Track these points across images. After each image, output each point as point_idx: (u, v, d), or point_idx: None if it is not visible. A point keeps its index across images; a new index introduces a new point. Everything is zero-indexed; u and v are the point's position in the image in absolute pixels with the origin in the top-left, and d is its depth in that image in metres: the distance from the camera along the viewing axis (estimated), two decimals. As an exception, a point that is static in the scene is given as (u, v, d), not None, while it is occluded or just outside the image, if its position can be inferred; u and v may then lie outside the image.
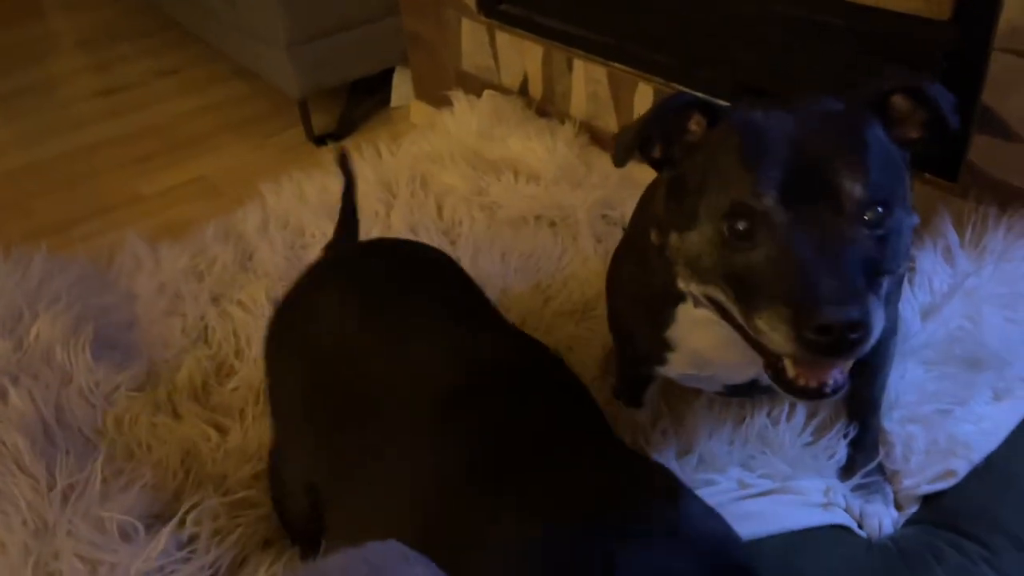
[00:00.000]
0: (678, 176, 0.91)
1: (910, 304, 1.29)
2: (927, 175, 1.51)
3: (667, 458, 1.20)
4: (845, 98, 0.89)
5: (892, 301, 1.08)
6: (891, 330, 1.12)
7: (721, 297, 0.86)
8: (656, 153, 0.92)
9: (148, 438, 1.36)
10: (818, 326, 0.74)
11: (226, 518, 1.18)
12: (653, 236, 0.97)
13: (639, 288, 1.09)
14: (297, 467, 1.07)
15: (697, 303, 0.94)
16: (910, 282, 1.32)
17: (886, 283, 0.84)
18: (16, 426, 1.26)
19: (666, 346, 1.07)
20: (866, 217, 0.81)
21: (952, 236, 1.35)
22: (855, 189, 0.80)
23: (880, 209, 0.81)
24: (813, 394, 0.82)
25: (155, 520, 1.21)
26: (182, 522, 1.18)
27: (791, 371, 0.82)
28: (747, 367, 1.05)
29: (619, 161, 0.92)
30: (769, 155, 0.82)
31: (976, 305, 1.26)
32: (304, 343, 1.07)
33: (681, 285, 0.92)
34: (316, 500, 1.01)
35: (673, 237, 0.90)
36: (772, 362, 0.85)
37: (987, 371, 1.21)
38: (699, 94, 0.92)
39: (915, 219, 0.88)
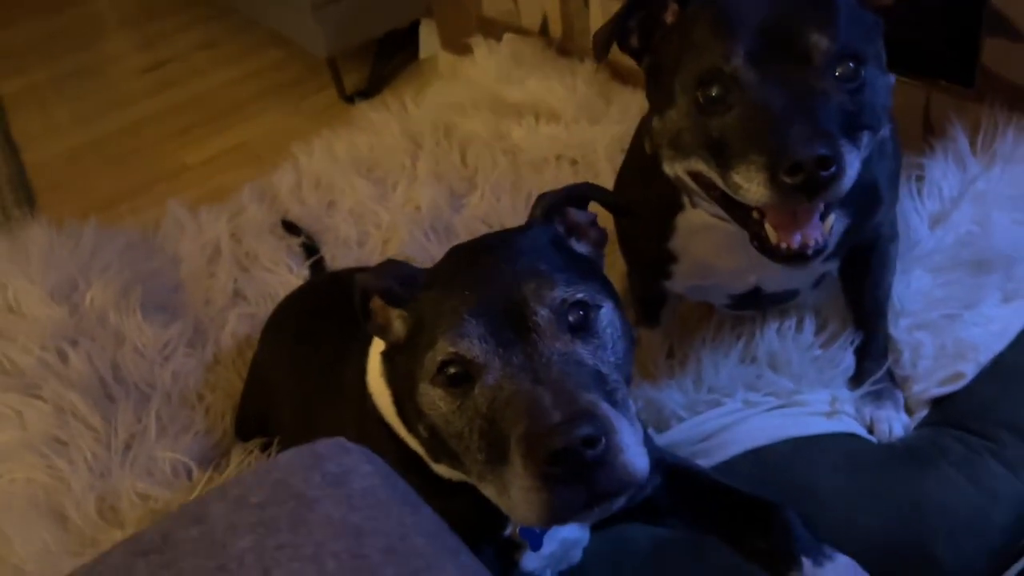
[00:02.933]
0: (656, 62, 0.94)
1: (918, 212, 1.29)
2: (943, 82, 1.48)
3: (676, 382, 1.24)
4: None
5: (890, 204, 1.09)
6: (891, 236, 1.14)
7: (703, 168, 0.89)
8: (634, 42, 0.96)
9: (199, 388, 1.47)
10: (790, 165, 0.77)
11: (264, 457, 1.28)
12: (646, 145, 1.00)
13: (640, 203, 1.13)
14: (253, 399, 1.36)
15: (693, 200, 0.97)
16: (919, 191, 1.32)
17: (867, 138, 0.86)
18: (76, 384, 1.38)
19: (670, 257, 1.11)
20: (837, 72, 0.83)
21: (962, 141, 1.33)
22: (822, 42, 0.83)
23: (851, 64, 0.84)
24: (796, 256, 0.85)
25: (206, 461, 1.32)
26: (228, 462, 1.29)
27: (773, 236, 0.86)
28: (746, 272, 1.09)
29: (598, 55, 0.96)
30: (737, 21, 0.85)
31: (985, 209, 1.26)
32: (295, 334, 1.28)
33: (667, 169, 0.96)
34: (261, 418, 1.32)
35: (655, 121, 0.94)
36: (756, 231, 0.88)
37: (995, 273, 1.21)
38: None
39: (891, 78, 0.90)
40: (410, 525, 0.50)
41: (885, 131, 0.93)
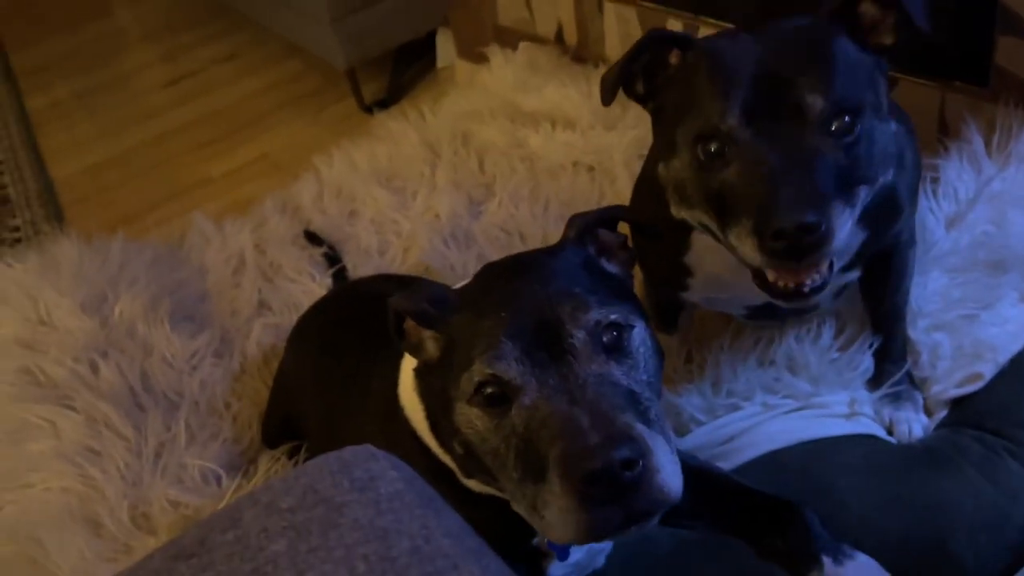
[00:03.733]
0: (660, 107, 0.96)
1: (933, 213, 1.30)
2: (958, 83, 1.49)
3: (694, 387, 1.26)
4: (816, 12, 0.91)
5: (909, 213, 1.10)
6: (909, 241, 1.14)
7: (707, 220, 0.91)
8: (639, 89, 0.97)
9: (226, 396, 1.51)
10: (773, 232, 0.78)
11: (292, 464, 1.31)
12: (660, 169, 1.02)
13: (655, 218, 1.14)
14: (279, 407, 1.39)
15: (696, 230, 0.99)
16: (934, 193, 1.33)
17: (863, 192, 0.87)
18: (107, 395, 1.42)
19: (685, 272, 1.13)
20: (833, 127, 0.84)
21: (977, 142, 1.34)
22: (816, 101, 0.83)
23: (847, 119, 0.84)
24: (794, 295, 0.87)
25: (234, 468, 1.35)
26: (256, 469, 1.32)
27: (771, 276, 0.87)
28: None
29: (605, 100, 0.97)
30: (732, 77, 0.86)
31: (1001, 209, 1.26)
32: (319, 343, 1.30)
33: (674, 212, 0.97)
34: (287, 424, 1.35)
35: (660, 168, 0.96)
36: (756, 271, 0.89)
37: (1012, 273, 1.21)
38: (675, 30, 0.96)
39: (891, 125, 0.91)
40: (434, 527, 0.52)
41: (901, 144, 0.94)
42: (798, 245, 0.79)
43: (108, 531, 1.23)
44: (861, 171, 0.86)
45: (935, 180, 1.33)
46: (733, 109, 0.85)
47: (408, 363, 0.93)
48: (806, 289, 0.86)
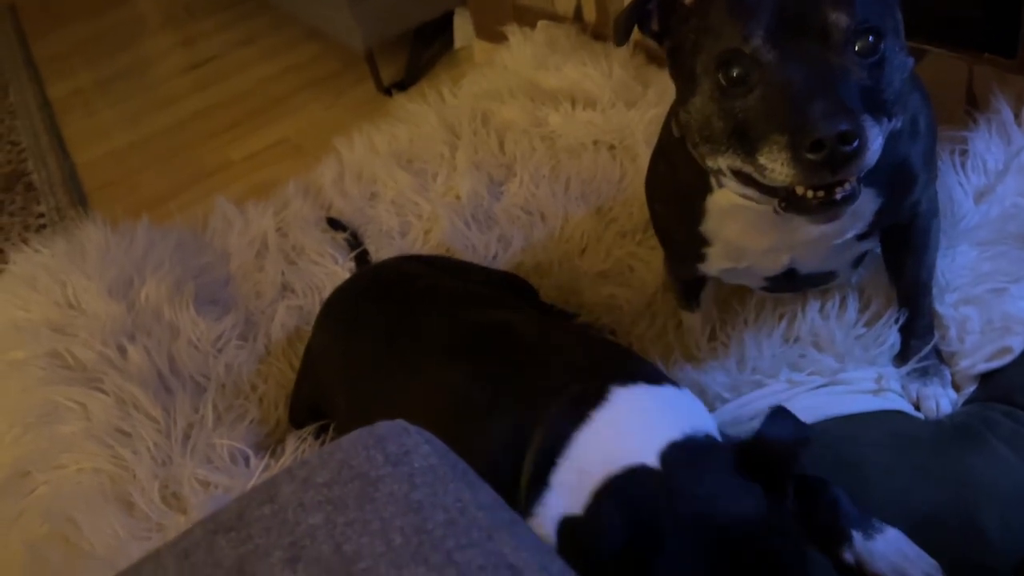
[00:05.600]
0: (677, 44, 0.95)
1: (962, 186, 1.28)
2: (986, 55, 1.47)
3: (719, 364, 1.25)
4: None
5: (926, 182, 1.09)
6: (930, 211, 1.13)
7: (737, 162, 0.90)
8: (655, 26, 0.97)
9: (252, 378, 1.52)
10: (811, 143, 0.78)
11: (318, 444, 1.32)
12: (674, 129, 1.02)
13: (671, 187, 1.15)
14: (307, 388, 1.38)
15: (721, 179, 0.98)
16: (963, 166, 1.31)
17: (888, 112, 0.87)
18: (136, 377, 1.43)
19: (702, 241, 1.12)
20: (856, 47, 0.84)
21: (1007, 113, 1.32)
22: (840, 19, 0.83)
23: (871, 38, 0.84)
24: (826, 205, 0.86)
25: (261, 448, 1.36)
26: (284, 449, 1.33)
27: (800, 191, 0.87)
28: (779, 252, 1.10)
29: (618, 39, 0.97)
30: (754, 1, 0.85)
31: (1031, 181, 1.24)
32: (347, 323, 1.31)
33: (699, 159, 0.97)
34: (314, 405, 1.35)
35: (682, 114, 0.95)
36: (784, 196, 0.89)
37: (1042, 246, 1.20)
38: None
39: (909, 60, 0.90)
40: (468, 499, 0.53)
41: (915, 109, 0.93)
42: (835, 155, 0.79)
43: (140, 510, 1.25)
44: (886, 92, 0.86)
45: (964, 153, 1.32)
46: (756, 30, 0.84)
47: None
48: (838, 197, 0.85)
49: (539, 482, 0.90)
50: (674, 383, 1.01)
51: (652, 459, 0.87)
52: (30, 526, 1.28)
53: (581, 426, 0.91)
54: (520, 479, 0.92)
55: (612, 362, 1.03)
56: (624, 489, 0.85)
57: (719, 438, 0.95)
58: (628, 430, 0.91)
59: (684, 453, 0.88)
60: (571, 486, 0.88)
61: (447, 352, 1.11)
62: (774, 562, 0.81)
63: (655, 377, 0.99)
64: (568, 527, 0.84)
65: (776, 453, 0.88)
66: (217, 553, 0.53)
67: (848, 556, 0.94)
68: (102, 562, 1.19)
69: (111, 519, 1.24)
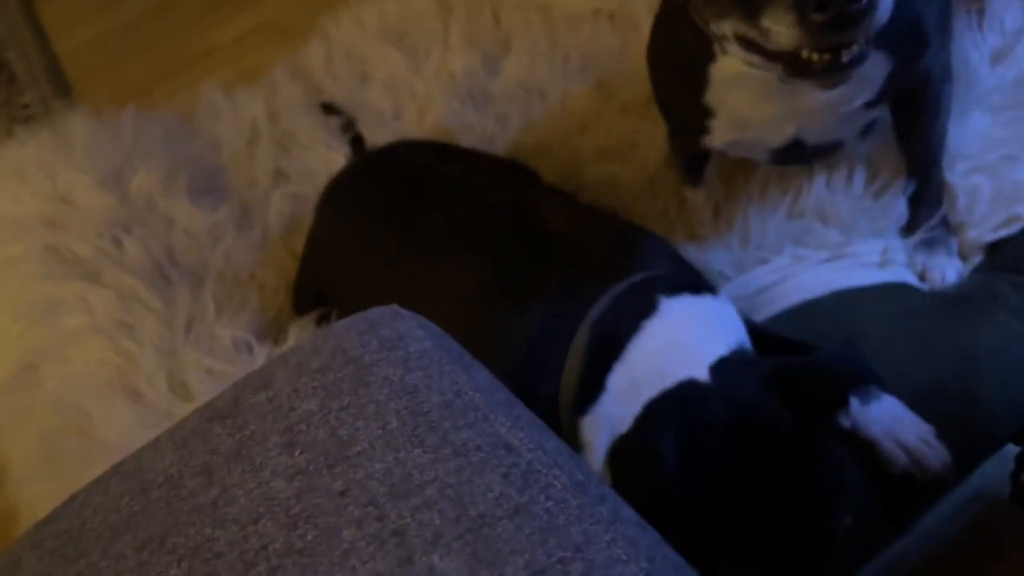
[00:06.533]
0: None
1: (977, 48, 1.23)
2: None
3: (722, 241, 1.24)
4: None
5: (939, 46, 1.04)
6: (942, 77, 1.09)
7: (741, 26, 0.86)
8: None
9: (251, 267, 1.51)
10: (817, 2, 0.75)
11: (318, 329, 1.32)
12: None
13: (673, 56, 1.11)
14: (311, 274, 1.37)
15: (725, 46, 0.94)
16: (978, 26, 1.25)
17: None
18: (134, 270, 1.42)
19: (706, 112, 1.09)
20: None
21: (1028, -33, 1.24)
22: None
23: None
24: (833, 68, 0.83)
25: (264, 336, 1.37)
26: (287, 337, 1.34)
27: (806, 55, 0.83)
28: (784, 122, 1.07)
29: None
30: None
31: (1051, 40, 1.19)
32: (355, 207, 1.29)
33: (703, 25, 0.93)
34: (318, 291, 1.34)
35: None
36: (789, 59, 0.85)
37: (1059, 110, 1.15)
38: None
39: None
40: (464, 382, 0.52)
41: None
42: (842, 14, 0.75)
43: (148, 400, 1.27)
44: None
45: (980, 12, 1.25)
46: None
47: None
48: (845, 60, 0.82)
49: (593, 383, 0.90)
50: (712, 289, 1.00)
51: (702, 374, 0.87)
52: (42, 418, 1.30)
53: (633, 336, 0.90)
54: (561, 373, 0.91)
55: (651, 256, 1.02)
56: (676, 409, 0.85)
57: (751, 347, 0.95)
58: (680, 343, 0.90)
59: (732, 368, 0.88)
60: (623, 393, 0.88)
61: (467, 236, 1.09)
62: (816, 482, 0.82)
63: (695, 285, 0.98)
64: (621, 451, 0.84)
65: (823, 385, 0.87)
66: (214, 440, 0.53)
67: (844, 422, 0.95)
68: (115, 450, 1.22)
69: (121, 409, 1.26)
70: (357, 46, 1.91)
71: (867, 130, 1.18)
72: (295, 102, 1.80)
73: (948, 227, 1.19)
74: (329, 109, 1.78)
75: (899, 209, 1.19)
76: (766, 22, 0.81)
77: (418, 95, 1.76)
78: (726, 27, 0.89)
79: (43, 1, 2.92)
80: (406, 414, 0.49)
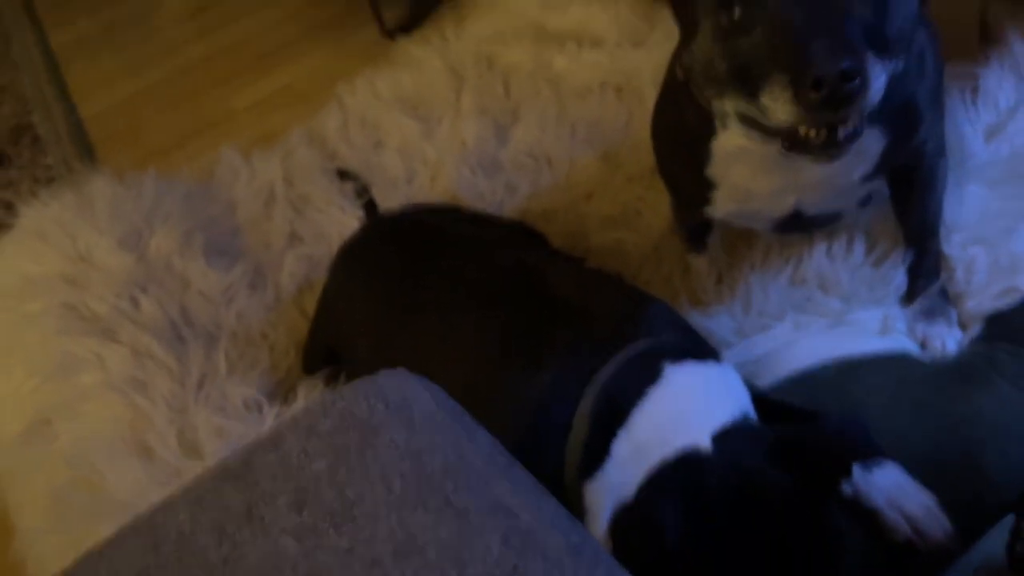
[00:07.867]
0: None
1: (972, 124, 1.27)
2: (1000, -14, 1.43)
3: (725, 307, 1.26)
4: None
5: (933, 122, 1.08)
6: (937, 151, 1.12)
7: (741, 104, 0.90)
8: None
9: (262, 327, 1.54)
10: (813, 81, 0.78)
11: (328, 391, 1.34)
12: (678, 72, 1.01)
13: (676, 131, 1.14)
14: (323, 335, 1.40)
15: (726, 121, 0.98)
16: (973, 102, 1.29)
17: (892, 50, 0.85)
18: (149, 328, 1.46)
19: (709, 185, 1.13)
20: None
21: (1019, 48, 1.29)
22: None
23: None
24: (830, 144, 0.86)
25: (274, 396, 1.39)
26: (296, 396, 1.36)
27: (803, 131, 0.87)
28: (784, 194, 1.10)
29: None
30: None
31: (1042, 118, 1.22)
32: (369, 268, 1.32)
33: (703, 102, 0.96)
34: (329, 351, 1.37)
35: (685, 58, 0.95)
36: (787, 135, 0.89)
37: (1052, 184, 1.18)
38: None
39: None
40: (466, 445, 0.54)
41: (921, 46, 0.91)
42: (837, 94, 0.78)
43: (159, 457, 1.28)
44: (889, 28, 0.85)
45: (975, 90, 1.29)
46: None
47: None
48: (841, 136, 0.85)
49: (597, 449, 0.91)
50: (716, 355, 1.02)
51: (705, 443, 0.87)
52: (54, 472, 1.32)
53: (638, 403, 0.91)
54: (567, 438, 0.92)
55: (656, 322, 1.03)
56: (678, 480, 0.85)
57: (754, 414, 0.96)
58: (683, 411, 0.91)
59: (735, 436, 0.89)
60: (626, 460, 0.89)
61: (478, 297, 1.11)
62: (817, 551, 0.83)
63: (699, 352, 0.99)
64: (623, 521, 0.85)
65: (825, 456, 0.88)
66: (226, 498, 0.54)
67: (847, 489, 0.96)
68: (125, 506, 1.23)
69: (132, 465, 1.27)
70: (371, 113, 1.97)
71: (866, 201, 1.21)
72: (311, 166, 1.85)
73: (947, 297, 1.21)
74: (344, 175, 1.84)
75: (898, 278, 1.22)
76: (764, 99, 0.84)
77: (430, 161, 1.81)
78: (726, 104, 0.93)
79: (68, 64, 3.03)
80: (410, 476, 0.51)
